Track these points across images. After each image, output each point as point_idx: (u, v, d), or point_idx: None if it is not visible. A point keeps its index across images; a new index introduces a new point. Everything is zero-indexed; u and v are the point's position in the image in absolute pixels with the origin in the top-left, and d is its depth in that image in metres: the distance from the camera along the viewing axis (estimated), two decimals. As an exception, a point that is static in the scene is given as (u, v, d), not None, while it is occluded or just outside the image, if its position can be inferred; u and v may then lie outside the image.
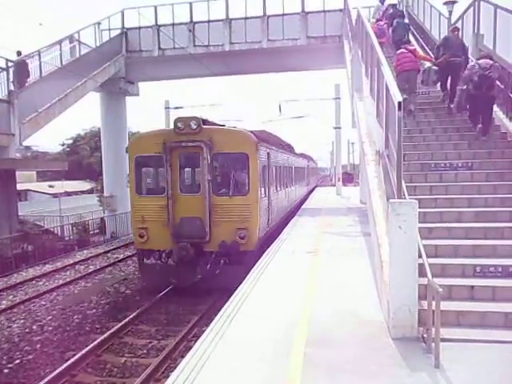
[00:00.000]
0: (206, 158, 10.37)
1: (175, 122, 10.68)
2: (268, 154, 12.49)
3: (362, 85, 11.15)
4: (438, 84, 10.37)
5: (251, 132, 11.21)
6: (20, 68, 15.25)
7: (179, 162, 10.77)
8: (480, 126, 8.53)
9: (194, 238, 10.47)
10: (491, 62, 8.30)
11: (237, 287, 7.15)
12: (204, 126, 10.61)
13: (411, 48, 10.01)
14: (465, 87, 8.56)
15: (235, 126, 13.34)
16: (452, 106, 9.71)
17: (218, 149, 10.42)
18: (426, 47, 14.59)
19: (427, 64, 10.13)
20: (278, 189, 14.57)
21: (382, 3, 16.70)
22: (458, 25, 11.91)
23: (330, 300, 6.35)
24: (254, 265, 8.65)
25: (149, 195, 11.33)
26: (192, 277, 10.29)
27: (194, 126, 10.46)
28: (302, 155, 27.39)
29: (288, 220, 14.95)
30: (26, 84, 15.45)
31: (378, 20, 14.97)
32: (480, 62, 8.37)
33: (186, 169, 12.13)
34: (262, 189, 11.54)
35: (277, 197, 14.07)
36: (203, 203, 10.47)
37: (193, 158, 10.91)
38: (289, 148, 19.77)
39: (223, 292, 8.66)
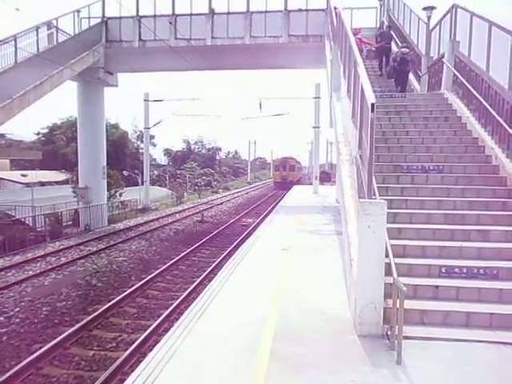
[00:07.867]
0: (288, 165, 56.70)
1: (284, 158, 59.80)
2: (298, 163, 65.19)
3: (341, 85, 11.26)
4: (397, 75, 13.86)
5: (294, 159, 63.61)
6: None
7: (284, 165, 56.68)
8: (400, 87, 12.76)
9: (285, 178, 54.99)
10: (407, 50, 13.05)
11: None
12: (288, 159, 58.88)
13: (359, 37, 14.78)
14: (392, 64, 13.31)
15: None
16: (384, 73, 14.78)
17: (290, 164, 57.35)
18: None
19: (369, 47, 15.57)
20: (298, 172, 63.32)
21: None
22: (436, 30, 12.43)
23: (300, 297, 6.41)
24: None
25: (276, 171, 58.65)
26: (284, 186, 49.06)
27: (286, 158, 59.15)
28: (299, 162, 68.35)
29: (300, 179, 63.41)
30: None
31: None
32: (402, 49, 13.04)
33: (285, 166, 56.29)
34: (297, 171, 61.54)
35: (299, 173, 64.42)
36: (288, 173, 56.13)
37: (286, 165, 56.59)
38: (298, 161, 66.71)
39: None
